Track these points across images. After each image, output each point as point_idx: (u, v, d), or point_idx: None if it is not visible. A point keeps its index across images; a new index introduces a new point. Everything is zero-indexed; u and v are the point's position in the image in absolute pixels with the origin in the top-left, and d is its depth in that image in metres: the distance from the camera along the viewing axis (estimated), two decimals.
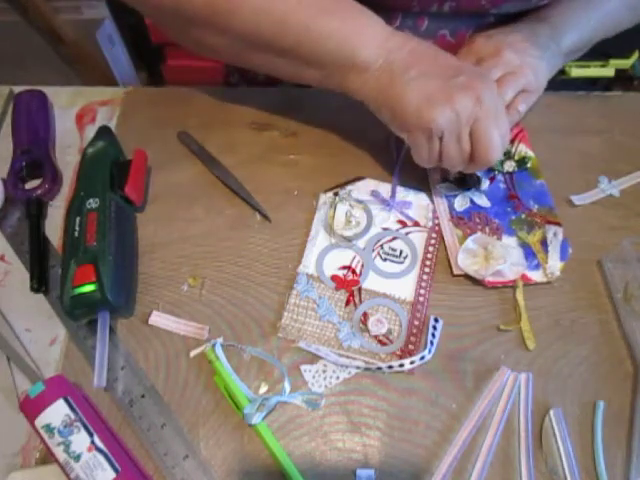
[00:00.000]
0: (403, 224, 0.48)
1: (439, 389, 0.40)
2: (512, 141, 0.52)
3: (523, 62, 0.47)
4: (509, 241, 0.46)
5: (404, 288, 0.44)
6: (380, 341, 0.42)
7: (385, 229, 0.47)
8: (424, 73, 0.41)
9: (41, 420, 0.35)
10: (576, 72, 0.56)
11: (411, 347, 0.41)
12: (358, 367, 0.40)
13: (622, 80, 0.69)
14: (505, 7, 0.51)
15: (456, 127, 0.40)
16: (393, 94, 0.41)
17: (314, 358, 0.41)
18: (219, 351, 0.40)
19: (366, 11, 0.43)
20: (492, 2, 0.49)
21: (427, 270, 0.45)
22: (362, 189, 0.49)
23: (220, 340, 0.41)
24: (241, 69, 0.70)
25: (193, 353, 0.41)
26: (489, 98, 0.40)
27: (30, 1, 0.85)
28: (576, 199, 0.49)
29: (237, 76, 0.72)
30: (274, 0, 0.41)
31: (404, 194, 0.49)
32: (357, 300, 0.44)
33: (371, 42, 0.42)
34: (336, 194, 0.49)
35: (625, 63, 0.56)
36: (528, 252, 0.45)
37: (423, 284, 0.44)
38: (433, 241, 0.46)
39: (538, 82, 0.48)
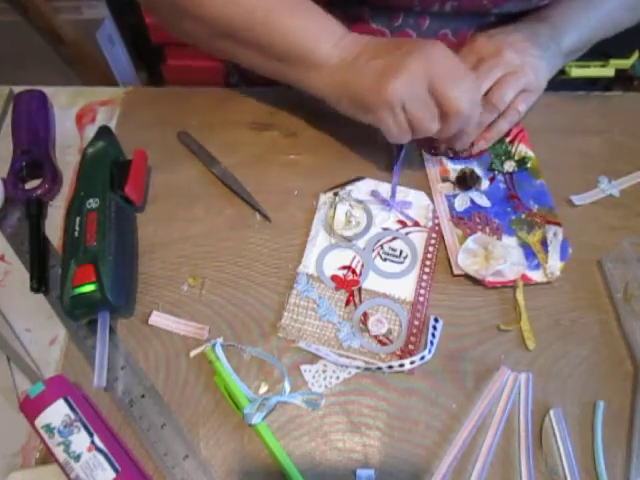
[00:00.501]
0: (403, 224, 0.48)
1: (439, 389, 0.40)
2: (512, 141, 0.52)
3: (524, 62, 0.47)
4: (509, 241, 0.46)
5: (404, 288, 0.44)
6: (380, 341, 0.42)
7: (385, 229, 0.47)
8: (373, 56, 0.43)
9: (41, 420, 0.35)
10: (576, 72, 0.56)
11: (411, 347, 0.41)
12: (358, 367, 0.40)
13: (622, 80, 0.69)
14: (506, 7, 0.51)
15: (414, 92, 0.41)
16: (348, 82, 0.43)
17: (314, 358, 0.41)
18: (219, 351, 0.40)
19: (325, 13, 0.45)
20: (493, 2, 0.49)
21: (427, 270, 0.45)
22: (362, 189, 0.49)
23: (220, 340, 0.41)
24: (241, 69, 0.71)
25: (193, 353, 0.41)
26: (439, 56, 0.41)
27: (30, 1, 0.85)
28: (576, 199, 0.49)
29: (237, 76, 0.72)
30: None
31: (404, 194, 0.49)
32: (357, 300, 0.44)
33: (328, 41, 0.44)
34: (336, 194, 0.49)
35: (625, 63, 0.56)
36: (528, 252, 0.45)
37: (423, 284, 0.44)
38: (433, 241, 0.46)
39: (538, 82, 0.48)
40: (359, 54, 0.44)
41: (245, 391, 0.39)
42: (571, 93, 0.57)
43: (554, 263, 0.45)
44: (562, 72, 0.55)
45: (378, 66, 0.42)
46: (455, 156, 0.51)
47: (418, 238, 0.47)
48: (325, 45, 0.44)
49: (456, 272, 0.44)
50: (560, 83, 0.55)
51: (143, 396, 0.39)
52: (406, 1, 0.50)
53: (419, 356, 0.40)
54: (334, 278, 0.44)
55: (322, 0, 0.53)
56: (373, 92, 0.41)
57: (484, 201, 0.49)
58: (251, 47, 0.46)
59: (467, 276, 0.44)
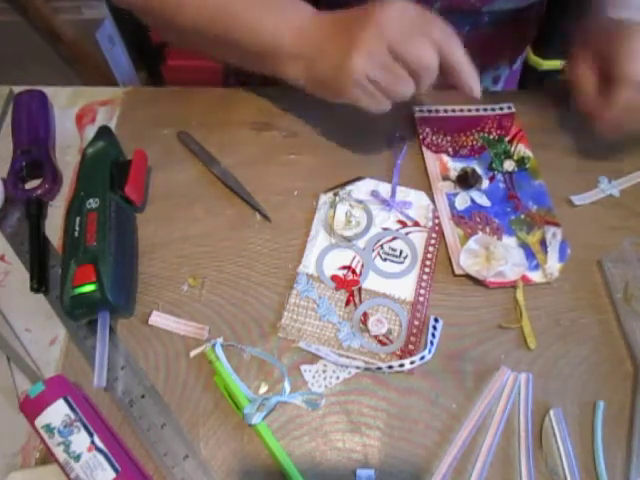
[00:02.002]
0: (403, 224, 0.48)
1: (439, 389, 0.40)
2: (511, 141, 0.52)
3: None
4: (509, 241, 0.46)
5: (404, 288, 0.44)
6: (380, 341, 0.42)
7: (385, 229, 0.47)
8: (332, 38, 0.43)
9: (41, 420, 0.35)
10: None
11: (411, 347, 0.41)
12: (358, 367, 0.40)
13: None
14: (497, 4, 0.50)
15: (376, 63, 0.41)
16: (316, 71, 0.44)
17: (314, 358, 0.41)
18: (219, 351, 0.40)
19: (287, 2, 0.46)
20: (482, 0, 0.49)
21: (427, 270, 0.45)
22: (362, 189, 0.49)
23: (220, 340, 0.41)
24: (238, 71, 0.71)
25: (193, 353, 0.41)
26: (391, 20, 0.40)
27: (30, 1, 0.85)
28: (576, 199, 0.49)
29: (234, 78, 0.72)
30: None
31: (404, 194, 0.49)
32: (357, 300, 0.44)
33: (289, 33, 0.44)
34: (336, 194, 0.49)
35: None
36: (528, 252, 0.45)
37: (423, 284, 0.44)
38: (433, 241, 0.46)
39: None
40: (321, 39, 0.43)
41: (245, 391, 0.39)
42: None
43: (553, 264, 0.45)
44: (562, 72, 0.55)
45: (337, 47, 0.42)
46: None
47: (418, 238, 0.47)
48: (288, 35, 0.44)
49: (457, 272, 0.44)
50: (560, 83, 0.55)
51: (143, 396, 0.39)
52: None
53: (419, 356, 0.40)
54: (334, 278, 0.44)
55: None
56: (337, 76, 0.42)
57: (484, 200, 0.49)
58: (222, 44, 0.48)
59: (467, 276, 0.44)
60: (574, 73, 0.49)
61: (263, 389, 0.40)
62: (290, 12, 0.45)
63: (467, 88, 0.43)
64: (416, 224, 0.48)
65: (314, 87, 0.46)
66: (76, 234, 0.42)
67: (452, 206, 0.48)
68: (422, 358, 0.40)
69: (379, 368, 0.40)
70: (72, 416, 0.35)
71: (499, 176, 0.50)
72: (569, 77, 0.50)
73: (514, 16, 0.55)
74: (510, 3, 0.51)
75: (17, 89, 0.55)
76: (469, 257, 0.45)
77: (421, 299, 0.44)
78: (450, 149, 0.52)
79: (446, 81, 0.43)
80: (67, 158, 0.52)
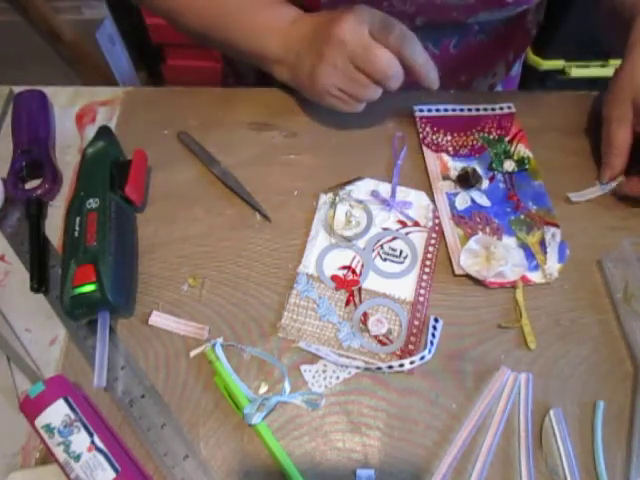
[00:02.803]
0: (403, 224, 0.48)
1: (439, 389, 0.40)
2: (511, 141, 0.52)
3: None
4: (509, 241, 0.46)
5: (404, 288, 0.44)
6: (380, 341, 0.42)
7: (385, 229, 0.47)
8: (306, 49, 0.46)
9: (41, 420, 0.35)
10: (576, 72, 0.56)
11: (411, 347, 0.41)
12: (358, 367, 0.40)
13: None
14: (481, 16, 0.50)
15: (340, 75, 0.44)
16: (298, 76, 0.48)
17: (314, 358, 0.41)
18: (219, 351, 0.40)
19: (274, 6, 0.48)
20: (464, 13, 0.49)
21: (427, 270, 0.45)
22: (362, 189, 0.49)
23: (220, 340, 0.41)
24: (236, 72, 0.71)
25: (193, 353, 0.41)
26: (350, 33, 0.42)
27: (30, 1, 0.85)
28: (573, 196, 0.49)
29: (233, 79, 0.72)
30: (206, 2, 0.49)
31: (404, 194, 0.49)
32: (357, 300, 0.44)
33: (273, 41, 0.48)
34: (336, 194, 0.49)
35: None
36: (528, 253, 0.45)
37: (423, 284, 0.44)
38: (433, 241, 0.46)
39: None
40: (301, 46, 0.46)
41: (245, 391, 0.39)
42: (571, 93, 0.57)
43: (552, 265, 0.45)
44: (562, 72, 0.55)
45: (309, 58, 0.45)
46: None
47: (418, 238, 0.47)
48: (273, 43, 0.47)
49: (458, 272, 0.44)
50: (560, 83, 0.55)
51: (143, 396, 0.39)
52: None
53: (419, 356, 0.40)
54: (334, 278, 0.44)
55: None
56: (312, 84, 0.46)
57: (484, 200, 0.49)
58: (222, 46, 0.52)
59: (467, 276, 0.44)
60: (612, 135, 0.47)
61: (263, 389, 0.40)
62: (272, 22, 0.48)
63: (426, 83, 0.45)
64: (416, 224, 0.48)
65: (299, 89, 0.49)
66: (76, 234, 0.42)
67: (452, 206, 0.48)
68: (422, 358, 0.40)
69: (379, 368, 0.40)
70: (72, 416, 0.35)
71: (499, 176, 0.50)
72: (604, 138, 0.48)
73: (507, 24, 0.54)
74: (495, 15, 0.51)
75: (17, 89, 0.55)
76: (469, 257, 0.45)
77: (421, 299, 0.44)
78: (450, 148, 0.52)
79: (409, 78, 0.45)
80: (67, 158, 0.52)
